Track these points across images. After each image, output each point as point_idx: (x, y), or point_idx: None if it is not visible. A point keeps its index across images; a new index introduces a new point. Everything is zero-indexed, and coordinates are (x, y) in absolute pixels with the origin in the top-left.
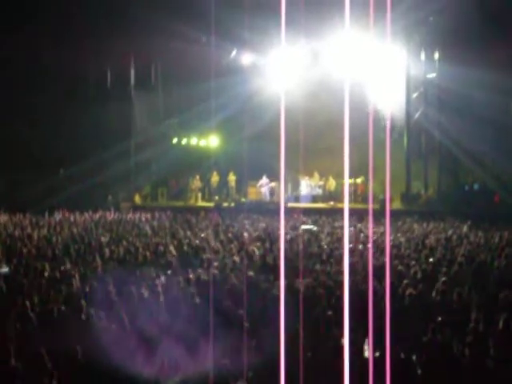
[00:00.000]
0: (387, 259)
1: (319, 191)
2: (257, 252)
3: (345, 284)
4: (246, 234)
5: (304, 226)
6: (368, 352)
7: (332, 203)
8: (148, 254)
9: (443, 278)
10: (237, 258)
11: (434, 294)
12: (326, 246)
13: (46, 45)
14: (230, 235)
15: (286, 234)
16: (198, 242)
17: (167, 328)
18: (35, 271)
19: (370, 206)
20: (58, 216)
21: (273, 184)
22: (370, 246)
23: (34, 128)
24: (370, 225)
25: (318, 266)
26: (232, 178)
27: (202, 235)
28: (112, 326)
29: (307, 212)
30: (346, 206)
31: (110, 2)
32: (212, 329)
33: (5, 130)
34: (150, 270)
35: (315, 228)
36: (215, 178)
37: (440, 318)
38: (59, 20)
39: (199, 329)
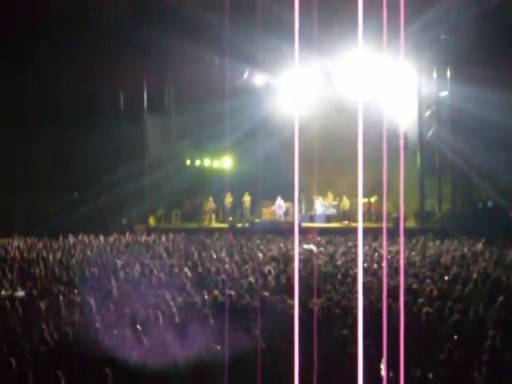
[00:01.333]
0: (402, 278)
1: (333, 211)
2: (271, 272)
3: (359, 303)
4: (260, 255)
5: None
6: (383, 371)
7: (346, 222)
8: (163, 275)
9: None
10: (251, 279)
11: (449, 312)
12: (340, 266)
13: (60, 68)
14: (244, 256)
15: (300, 253)
16: (212, 263)
17: (184, 349)
18: (51, 294)
19: (385, 225)
20: (72, 239)
21: (287, 204)
22: (384, 264)
23: (47, 151)
24: (385, 244)
25: (332, 286)
26: (247, 198)
27: (217, 256)
28: (129, 346)
29: (321, 232)
30: (360, 225)
31: (123, 24)
32: (227, 349)
33: (18, 154)
34: (165, 292)
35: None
36: (229, 199)
37: (456, 337)
38: (73, 43)
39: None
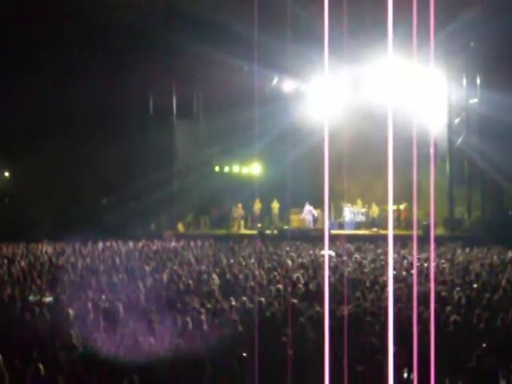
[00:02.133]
0: (432, 285)
1: (362, 218)
2: (300, 279)
3: (389, 311)
4: (289, 262)
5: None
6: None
7: (375, 230)
8: (191, 282)
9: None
10: (280, 286)
11: (477, 319)
12: (369, 273)
13: (91, 75)
14: (273, 263)
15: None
16: (241, 269)
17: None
18: (79, 300)
19: (415, 232)
20: (101, 245)
21: (316, 211)
22: (414, 272)
23: (76, 158)
24: (415, 251)
25: (361, 293)
26: (275, 205)
27: (245, 263)
28: (156, 353)
29: (350, 239)
30: (390, 232)
31: (153, 31)
32: (256, 356)
33: (47, 160)
34: (194, 299)
35: (333, 253)
36: (258, 206)
37: (485, 345)
38: (103, 49)
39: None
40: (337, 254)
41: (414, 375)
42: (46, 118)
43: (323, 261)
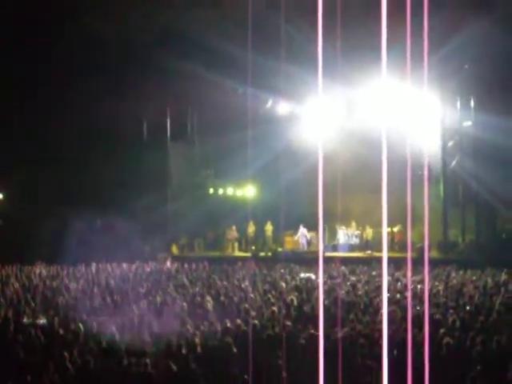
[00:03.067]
0: (426, 308)
1: (356, 240)
2: (295, 302)
3: (384, 333)
4: (283, 284)
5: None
6: None
7: (369, 252)
8: (185, 304)
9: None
10: (275, 308)
11: (471, 342)
12: (363, 295)
13: (83, 95)
14: (267, 285)
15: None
16: (235, 292)
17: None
18: (73, 323)
19: (409, 255)
20: (94, 267)
21: (310, 234)
22: (409, 294)
23: (69, 179)
24: (409, 273)
25: (355, 315)
26: (269, 227)
27: (239, 285)
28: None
29: (344, 261)
30: (384, 254)
31: (147, 53)
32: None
33: (44, 179)
34: (188, 321)
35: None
36: (252, 228)
37: (479, 367)
38: (97, 70)
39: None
40: (331, 276)
41: None
42: (40, 142)
43: (317, 283)
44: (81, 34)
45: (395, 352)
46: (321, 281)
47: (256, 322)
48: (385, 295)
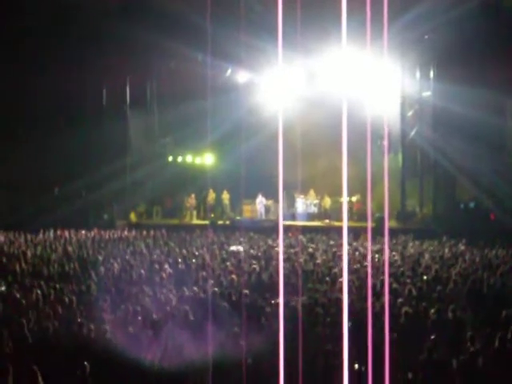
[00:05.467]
0: (387, 278)
1: (315, 209)
2: (254, 269)
3: (344, 302)
4: (241, 252)
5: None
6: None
7: (327, 221)
8: (143, 271)
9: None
10: (233, 276)
11: (429, 312)
12: (321, 264)
13: (42, 66)
14: (224, 253)
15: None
16: (193, 259)
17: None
18: (31, 289)
19: (369, 224)
20: (52, 234)
21: (268, 202)
22: (369, 264)
23: (28, 147)
24: (369, 243)
25: (313, 284)
26: (226, 195)
27: (197, 253)
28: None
29: (303, 230)
30: (344, 223)
31: (105, 21)
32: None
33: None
34: (145, 288)
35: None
36: (211, 196)
37: (434, 337)
38: (55, 42)
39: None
40: (289, 244)
41: (369, 367)
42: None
43: (276, 252)
44: (38, 2)
45: (353, 321)
46: (281, 249)
47: (215, 289)
48: (345, 265)
